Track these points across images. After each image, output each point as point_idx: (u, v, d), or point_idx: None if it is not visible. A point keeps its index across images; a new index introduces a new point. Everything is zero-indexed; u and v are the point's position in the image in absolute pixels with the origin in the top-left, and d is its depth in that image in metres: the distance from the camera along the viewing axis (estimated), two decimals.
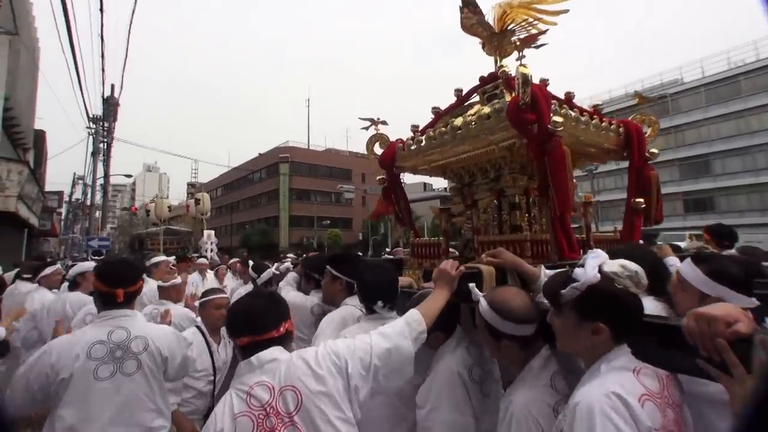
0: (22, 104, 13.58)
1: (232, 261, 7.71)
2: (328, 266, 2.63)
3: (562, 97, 2.88)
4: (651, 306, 1.70)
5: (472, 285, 1.65)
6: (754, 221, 27.99)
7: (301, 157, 45.46)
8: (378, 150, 3.37)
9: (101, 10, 8.13)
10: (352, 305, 2.40)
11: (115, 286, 2.06)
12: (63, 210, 33.48)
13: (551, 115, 2.18)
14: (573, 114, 2.56)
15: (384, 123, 3.46)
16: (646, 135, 3.15)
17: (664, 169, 29.90)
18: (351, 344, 1.47)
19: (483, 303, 1.56)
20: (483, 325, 1.55)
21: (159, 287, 3.65)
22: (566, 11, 2.95)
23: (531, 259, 2.33)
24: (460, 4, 3.03)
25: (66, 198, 33.13)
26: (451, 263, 1.81)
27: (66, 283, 4.12)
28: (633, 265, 1.28)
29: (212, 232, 12.00)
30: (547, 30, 3.01)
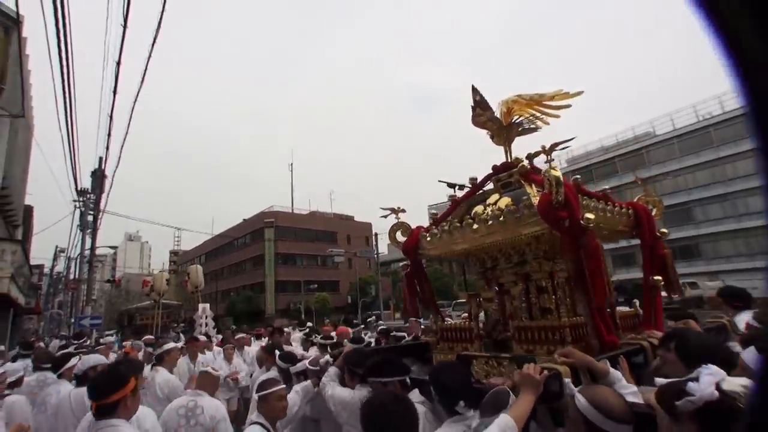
0: (16, 181, 13.60)
1: (239, 336, 7.49)
2: (372, 379, 2.62)
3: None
4: (717, 370, 1.76)
5: (568, 381, 1.78)
6: (743, 266, 28.33)
7: (286, 221, 45.55)
8: (401, 238, 3.51)
9: (114, 92, 8.45)
10: (415, 401, 2.41)
11: (90, 398, 2.12)
12: (44, 284, 32.33)
13: (583, 212, 2.37)
14: (592, 203, 2.78)
15: (403, 211, 3.64)
16: (654, 214, 3.37)
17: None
18: None
19: (582, 399, 1.60)
20: (581, 421, 1.59)
21: (200, 373, 3.46)
22: (569, 106, 3.28)
23: (571, 343, 2.44)
24: (472, 104, 3.35)
25: (46, 271, 32.09)
26: (534, 367, 1.90)
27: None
28: (747, 381, 1.30)
29: (207, 305, 11.52)
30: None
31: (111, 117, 10.07)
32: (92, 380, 2.24)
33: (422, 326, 6.98)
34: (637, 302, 3.35)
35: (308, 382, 3.38)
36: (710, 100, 33.44)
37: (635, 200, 3.38)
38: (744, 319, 3.32)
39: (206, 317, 11.05)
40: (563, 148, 2.77)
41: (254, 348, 7.34)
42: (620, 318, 3.06)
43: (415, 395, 2.45)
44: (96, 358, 3.94)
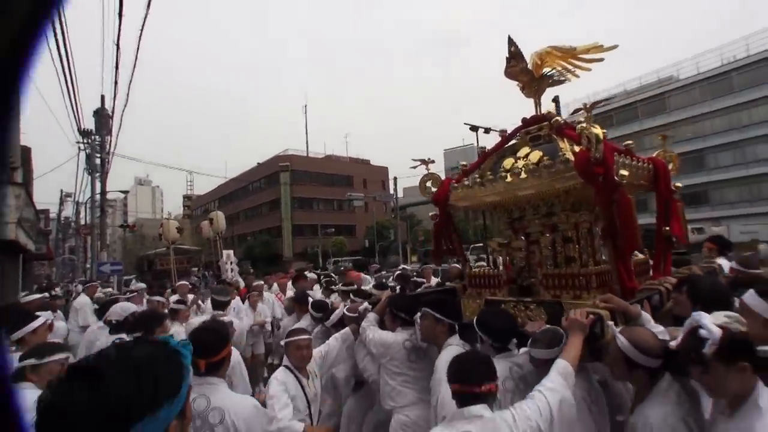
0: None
1: (257, 284, 7.81)
2: (429, 309, 2.89)
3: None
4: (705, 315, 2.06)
5: (610, 323, 2.09)
6: (744, 212, 29.47)
7: (301, 165, 45.64)
8: (431, 188, 3.65)
9: (120, 14, 7.68)
10: (456, 345, 2.72)
11: (197, 356, 2.03)
12: (52, 229, 31.76)
13: (617, 168, 2.48)
14: (621, 159, 2.87)
15: (432, 162, 3.76)
16: (671, 169, 3.46)
17: None
18: (534, 406, 1.81)
19: (623, 340, 1.90)
20: (621, 358, 1.89)
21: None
22: (602, 60, 3.27)
23: (596, 289, 2.66)
24: (507, 56, 3.35)
25: (52, 216, 31.17)
26: (581, 312, 2.18)
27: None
28: (729, 312, 1.69)
29: (231, 252, 11.80)
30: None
31: (117, 45, 8.92)
32: (198, 338, 2.21)
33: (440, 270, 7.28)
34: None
35: (348, 329, 3.63)
36: (737, 41, 31.87)
37: (655, 155, 3.45)
38: (728, 264, 4.01)
39: (231, 263, 11.34)
40: (601, 103, 2.81)
41: (270, 295, 7.67)
42: (633, 265, 3.26)
43: (455, 339, 2.74)
44: (132, 306, 4.27)
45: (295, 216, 43.41)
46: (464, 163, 3.70)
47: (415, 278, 6.41)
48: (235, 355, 3.42)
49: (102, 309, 4.74)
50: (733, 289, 3.10)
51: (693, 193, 32.56)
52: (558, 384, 1.89)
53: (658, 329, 2.14)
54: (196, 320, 4.84)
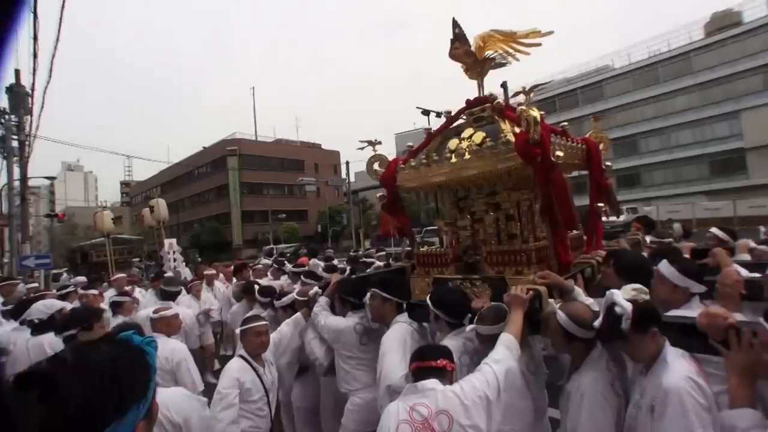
0: None
1: (208, 273, 7.57)
2: (377, 290, 2.93)
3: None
4: (616, 292, 2.28)
5: (551, 300, 2.24)
6: (670, 192, 32.26)
7: (250, 150, 44.19)
8: (378, 169, 3.66)
9: None
10: (403, 322, 2.76)
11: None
12: None
13: (553, 148, 2.60)
14: (557, 140, 3.01)
15: (379, 143, 3.76)
16: (602, 149, 3.68)
17: None
18: (482, 378, 1.90)
19: (561, 314, 2.03)
20: (560, 331, 2.04)
21: (152, 319, 3.48)
22: (539, 45, 3.39)
23: (536, 264, 2.81)
24: (451, 38, 3.39)
25: None
26: (521, 288, 2.29)
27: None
28: (636, 285, 1.86)
29: (174, 240, 11.17)
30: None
31: (34, 13, 8.09)
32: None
33: (393, 253, 7.39)
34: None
35: (299, 314, 3.60)
36: (663, 35, 34.43)
37: (587, 136, 3.65)
38: (649, 238, 4.60)
39: (173, 253, 10.82)
40: (539, 87, 2.93)
41: (221, 284, 7.45)
42: (570, 240, 3.46)
43: (403, 316, 2.79)
44: (54, 304, 3.81)
45: (244, 202, 42.17)
46: (410, 144, 3.73)
47: (364, 260, 6.45)
48: (181, 350, 3.32)
49: (18, 309, 4.10)
50: (653, 259, 3.48)
51: (627, 176, 35.24)
52: (504, 355, 2.00)
53: (589, 301, 2.30)
54: (143, 313, 4.61)
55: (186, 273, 10.55)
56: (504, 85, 3.55)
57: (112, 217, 13.29)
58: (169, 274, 8.73)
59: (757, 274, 2.36)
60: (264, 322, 3.00)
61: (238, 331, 2.92)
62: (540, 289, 2.31)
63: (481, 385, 1.86)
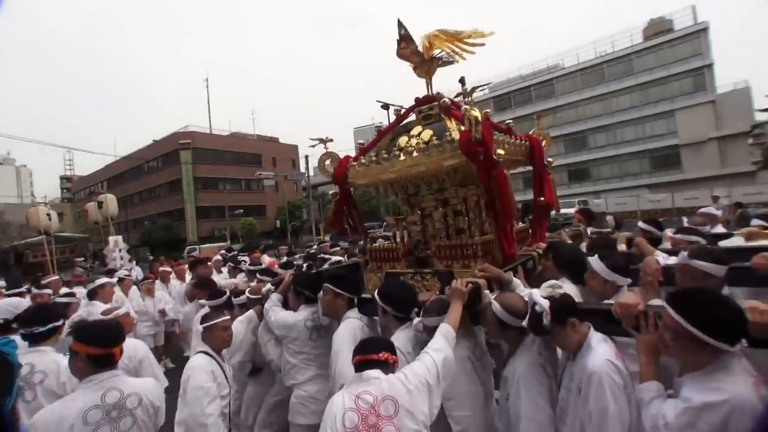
0: None
1: (162, 270, 7.33)
2: (329, 285, 2.96)
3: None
4: (572, 290, 2.46)
5: (487, 292, 2.36)
6: (616, 186, 34.42)
7: (204, 143, 42.59)
8: (330, 167, 3.68)
9: None
10: (353, 317, 2.82)
11: (111, 346, 2.14)
12: None
13: (495, 147, 2.73)
14: (500, 138, 3.16)
15: (331, 140, 3.79)
16: (544, 145, 3.88)
17: (552, 144, 34.70)
18: (423, 365, 2.00)
19: (496, 305, 2.18)
20: (495, 321, 2.19)
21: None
22: (483, 45, 3.52)
23: (482, 257, 2.93)
24: (398, 38, 3.46)
25: None
26: (461, 281, 2.40)
27: None
28: (551, 281, 2.11)
29: (119, 238, 10.63)
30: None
31: None
32: (103, 330, 2.27)
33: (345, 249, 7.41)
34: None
35: (252, 311, 3.59)
36: (607, 38, 36.59)
37: (531, 133, 3.83)
38: (590, 229, 4.89)
39: (119, 251, 10.36)
40: (480, 88, 3.04)
41: (177, 282, 7.21)
42: (515, 233, 3.64)
43: (353, 312, 2.85)
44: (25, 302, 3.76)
45: (198, 197, 40.72)
46: (362, 141, 3.79)
47: (321, 255, 6.45)
48: (142, 348, 3.27)
49: None
50: (591, 250, 3.73)
51: (578, 170, 37.13)
52: (441, 344, 2.11)
53: (525, 292, 2.44)
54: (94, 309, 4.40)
55: (137, 272, 10.16)
56: (462, 80, 3.65)
57: (47, 213, 12.32)
58: (123, 272, 8.39)
59: (672, 260, 2.60)
60: (227, 317, 2.96)
61: (200, 328, 2.86)
62: (479, 282, 2.44)
63: (422, 371, 1.97)
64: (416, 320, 2.51)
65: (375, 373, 1.92)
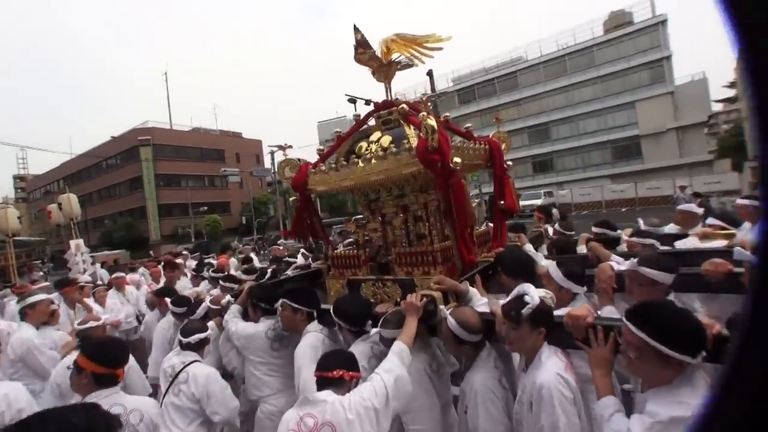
0: None
1: (115, 276, 6.99)
2: (286, 300, 2.89)
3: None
4: (532, 287, 2.47)
5: (442, 307, 2.33)
6: (580, 176, 35.18)
7: (165, 139, 41.11)
8: (289, 173, 3.60)
9: None
10: (314, 331, 2.78)
11: (118, 366, 2.26)
12: None
13: (452, 155, 2.72)
14: (458, 144, 3.16)
15: (290, 147, 3.71)
16: (503, 148, 3.91)
17: (516, 136, 35.36)
18: (371, 388, 1.96)
19: (451, 320, 2.17)
20: (450, 335, 2.19)
21: (81, 332, 3.30)
22: (441, 49, 3.51)
23: (441, 264, 2.94)
24: (354, 44, 3.39)
25: None
26: (416, 296, 2.38)
27: None
28: (548, 292, 2.06)
29: (81, 241, 10.06)
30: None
31: None
32: (109, 349, 2.35)
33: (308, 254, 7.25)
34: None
35: (211, 322, 3.51)
36: (568, 30, 37.38)
37: (490, 136, 3.85)
38: (551, 229, 4.96)
39: (81, 254, 9.80)
40: (435, 96, 3.02)
41: (133, 288, 6.85)
42: (477, 236, 3.67)
43: (313, 325, 2.81)
44: None
45: (160, 195, 39.32)
46: (321, 148, 3.72)
47: (286, 259, 6.34)
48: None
49: None
50: (550, 252, 3.78)
51: (542, 161, 37.92)
52: (394, 364, 2.09)
53: (482, 302, 2.48)
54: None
55: (102, 273, 9.72)
56: (430, 74, 3.61)
57: (19, 216, 11.54)
58: (85, 277, 7.99)
59: (624, 266, 2.64)
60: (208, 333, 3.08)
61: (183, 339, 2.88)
62: (434, 295, 2.44)
63: (369, 395, 1.95)
64: (373, 331, 2.49)
65: (324, 394, 1.92)
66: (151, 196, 39.10)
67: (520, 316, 1.91)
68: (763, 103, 0.46)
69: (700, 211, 4.38)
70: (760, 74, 0.46)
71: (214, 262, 7.74)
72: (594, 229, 3.93)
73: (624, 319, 1.62)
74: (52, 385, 3.05)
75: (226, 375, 3.59)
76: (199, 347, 3.03)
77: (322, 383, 1.98)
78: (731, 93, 39.66)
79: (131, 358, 3.20)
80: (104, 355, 2.23)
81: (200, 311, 3.75)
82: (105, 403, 2.05)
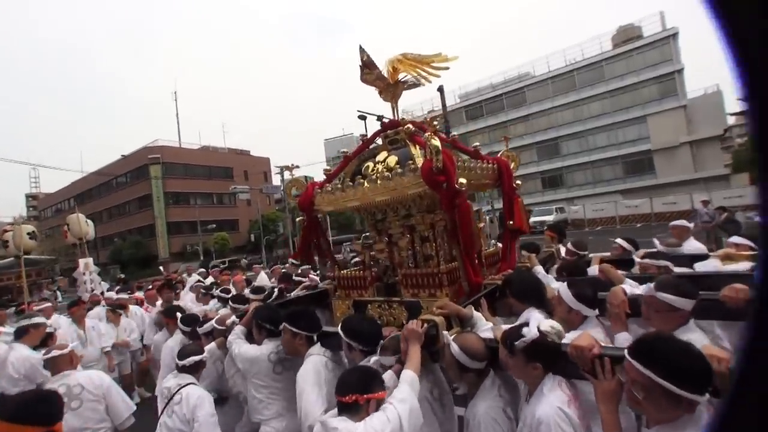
0: None
1: (118, 298, 6.96)
2: (286, 324, 2.83)
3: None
4: (538, 316, 2.40)
5: (445, 333, 2.25)
6: (591, 192, 34.68)
7: (174, 157, 41.53)
8: (296, 192, 3.60)
9: None
10: (316, 353, 2.70)
11: (52, 424, 1.98)
12: None
13: (458, 176, 2.68)
14: (465, 163, 3.12)
15: (297, 167, 3.71)
16: (512, 167, 3.86)
17: (525, 151, 35.23)
18: (384, 417, 1.86)
19: (455, 347, 2.10)
20: (453, 362, 2.11)
21: (47, 360, 3.13)
22: (447, 68, 3.50)
23: (447, 286, 2.88)
24: (360, 65, 3.41)
25: None
26: (416, 323, 2.29)
27: None
28: (556, 325, 1.93)
29: (90, 260, 10.02)
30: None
31: None
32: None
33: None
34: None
35: (214, 344, 3.46)
36: (576, 45, 37.25)
37: (499, 155, 3.81)
38: (563, 249, 4.71)
39: (90, 273, 9.77)
40: (439, 116, 3.00)
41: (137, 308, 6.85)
42: (485, 257, 3.59)
43: (316, 348, 2.73)
44: None
45: (169, 213, 39.55)
46: (328, 168, 3.72)
47: (296, 278, 6.27)
48: (105, 377, 3.21)
49: None
50: (560, 274, 3.66)
51: (551, 177, 37.63)
52: (407, 394, 2.00)
53: (486, 327, 2.40)
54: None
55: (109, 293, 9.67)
56: (441, 90, 3.62)
57: (30, 232, 11.52)
58: (86, 295, 7.99)
59: (638, 290, 2.52)
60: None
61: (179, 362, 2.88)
62: (436, 320, 2.37)
63: (381, 426, 1.86)
64: (373, 359, 2.41)
65: (336, 422, 1.83)
66: (160, 214, 39.37)
67: (513, 347, 1.88)
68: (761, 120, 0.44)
69: (691, 225, 4.40)
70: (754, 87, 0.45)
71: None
72: (621, 242, 3.88)
73: (628, 356, 1.53)
74: None
75: (222, 398, 3.55)
76: (194, 370, 2.99)
77: (340, 408, 1.93)
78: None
79: (110, 380, 3.23)
80: (34, 413, 1.94)
81: (207, 327, 3.71)
82: None
